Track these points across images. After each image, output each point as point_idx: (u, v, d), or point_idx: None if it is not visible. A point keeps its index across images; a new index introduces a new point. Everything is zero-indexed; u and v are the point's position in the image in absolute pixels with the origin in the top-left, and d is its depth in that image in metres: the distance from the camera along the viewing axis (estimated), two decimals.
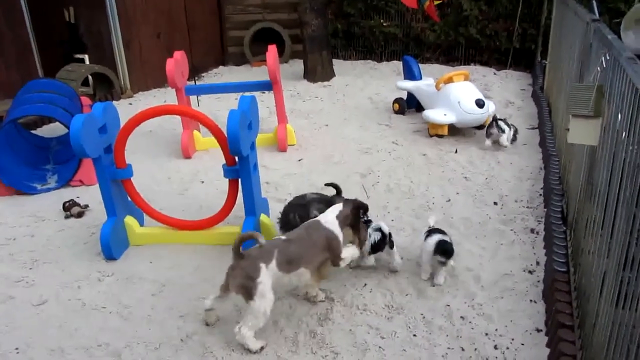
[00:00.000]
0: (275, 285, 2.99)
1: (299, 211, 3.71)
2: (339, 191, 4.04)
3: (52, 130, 6.69)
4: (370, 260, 3.64)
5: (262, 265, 2.91)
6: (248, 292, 2.89)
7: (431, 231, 3.64)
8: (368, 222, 3.62)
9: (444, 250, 3.42)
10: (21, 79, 7.28)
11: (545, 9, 8.74)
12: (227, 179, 3.91)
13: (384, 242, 3.55)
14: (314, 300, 3.36)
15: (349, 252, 3.29)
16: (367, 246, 3.54)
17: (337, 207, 3.31)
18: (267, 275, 2.91)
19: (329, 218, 3.25)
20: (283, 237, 3.18)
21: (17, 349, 3.06)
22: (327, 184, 4.14)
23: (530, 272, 3.61)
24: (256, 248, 2.96)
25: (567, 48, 5.54)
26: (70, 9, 8.13)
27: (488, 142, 5.74)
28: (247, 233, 2.99)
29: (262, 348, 2.97)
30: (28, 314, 3.38)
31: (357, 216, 3.32)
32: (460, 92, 6.04)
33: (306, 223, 3.30)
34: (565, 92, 4.96)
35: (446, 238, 3.52)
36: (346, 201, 3.41)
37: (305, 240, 3.13)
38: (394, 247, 3.62)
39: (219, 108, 7.25)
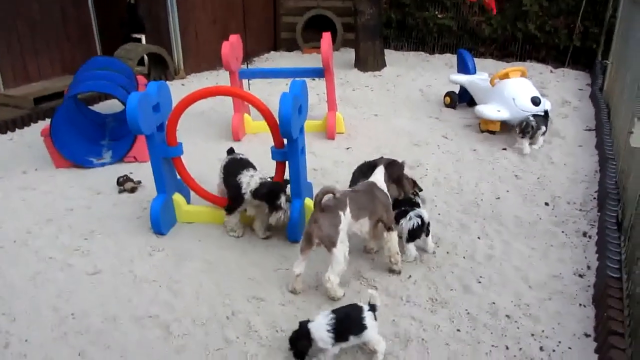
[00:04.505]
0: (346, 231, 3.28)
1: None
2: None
3: (108, 106, 6.92)
4: (412, 252, 3.66)
5: (341, 213, 3.20)
6: (331, 240, 3.15)
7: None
8: (415, 205, 3.71)
9: None
10: (82, 57, 7.56)
11: (611, 7, 8.41)
12: (275, 162, 3.98)
13: (422, 229, 3.60)
14: (370, 251, 3.75)
15: (394, 241, 3.52)
16: (405, 232, 3.60)
17: (381, 170, 3.62)
18: (345, 223, 3.21)
19: (381, 181, 3.55)
20: (349, 189, 3.49)
21: (73, 314, 3.21)
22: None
23: (580, 275, 3.52)
24: (332, 199, 3.22)
25: (634, 48, 5.33)
26: None
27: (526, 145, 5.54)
28: (326, 187, 3.17)
29: (343, 294, 3.28)
30: (84, 282, 3.53)
31: (393, 172, 3.64)
32: (515, 89, 5.91)
33: (366, 182, 3.58)
34: (629, 94, 4.79)
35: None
36: (382, 162, 3.68)
37: (370, 194, 3.44)
38: (430, 235, 3.71)
39: (269, 93, 7.32)
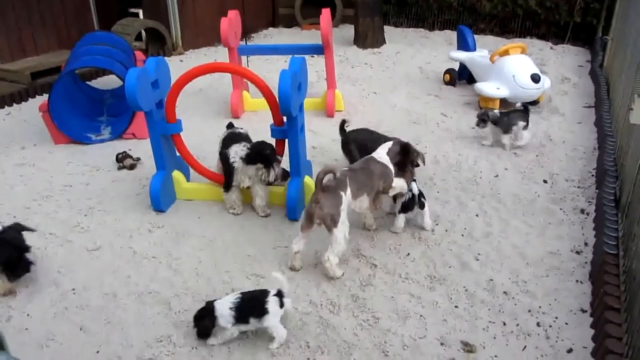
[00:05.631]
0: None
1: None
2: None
3: (105, 82, 6.88)
4: (400, 223, 3.73)
5: (342, 194, 3.22)
6: (333, 220, 3.17)
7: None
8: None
9: None
10: (79, 31, 7.48)
11: None
12: (274, 139, 3.97)
13: (414, 202, 3.68)
14: (369, 228, 3.77)
15: (399, 183, 3.61)
16: (398, 206, 3.68)
17: (387, 145, 3.65)
18: (346, 203, 3.24)
19: (382, 154, 3.60)
20: (346, 169, 3.46)
21: (73, 289, 3.24)
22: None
23: (577, 252, 3.55)
24: (333, 179, 3.23)
25: (635, 24, 5.28)
26: None
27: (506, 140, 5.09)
28: (327, 167, 3.20)
29: (342, 274, 3.31)
30: (84, 258, 3.55)
31: (403, 155, 3.64)
32: (515, 66, 5.87)
33: (363, 158, 3.64)
34: (629, 71, 4.76)
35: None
36: (395, 141, 3.73)
37: (367, 170, 3.48)
38: (425, 207, 3.74)
39: (268, 70, 7.26)
